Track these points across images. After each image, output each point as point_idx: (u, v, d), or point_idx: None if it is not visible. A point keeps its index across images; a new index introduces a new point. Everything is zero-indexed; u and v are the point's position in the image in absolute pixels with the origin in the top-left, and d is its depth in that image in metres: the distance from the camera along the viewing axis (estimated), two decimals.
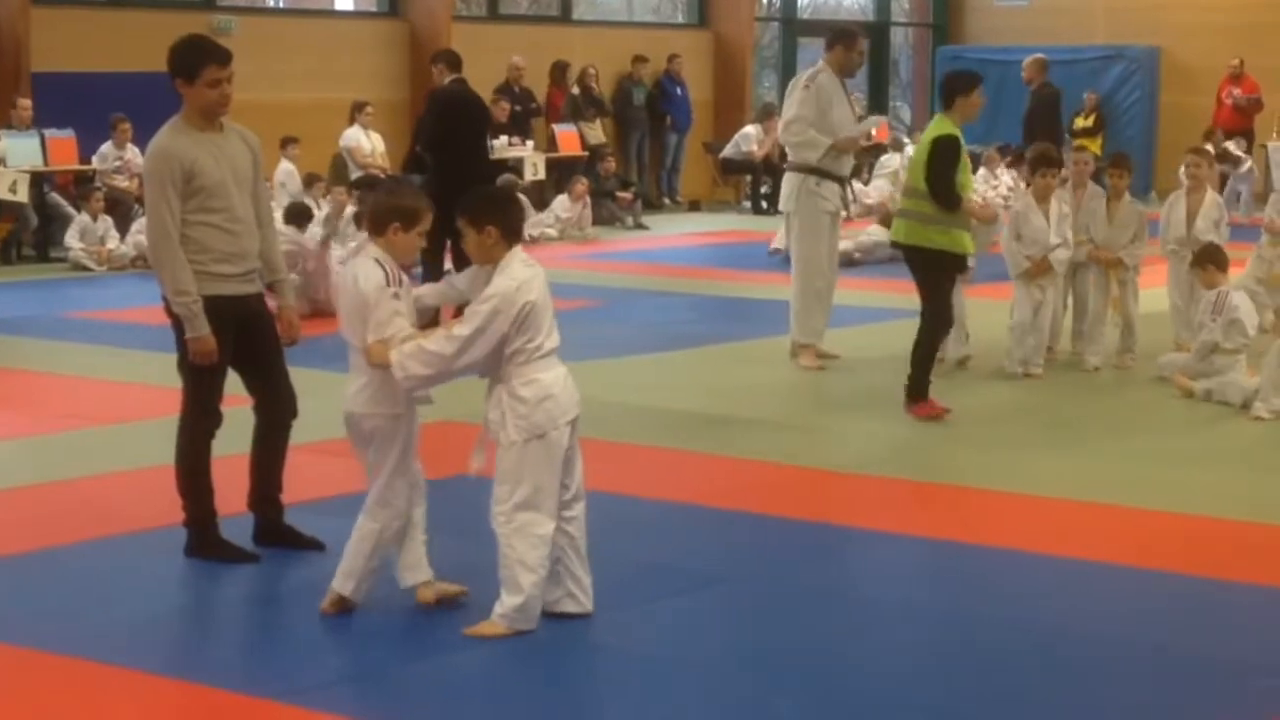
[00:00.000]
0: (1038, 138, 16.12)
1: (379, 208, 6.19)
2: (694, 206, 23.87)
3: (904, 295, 14.08)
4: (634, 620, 6.15)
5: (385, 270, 6.02)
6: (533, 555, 5.87)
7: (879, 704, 5.44)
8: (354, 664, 5.76)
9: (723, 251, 17.64)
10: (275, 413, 6.97)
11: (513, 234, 5.97)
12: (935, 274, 9.79)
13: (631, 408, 9.90)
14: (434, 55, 14.18)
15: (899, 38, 29.71)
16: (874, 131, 13.46)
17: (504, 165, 19.94)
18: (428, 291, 6.39)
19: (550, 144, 21.89)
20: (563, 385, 5.95)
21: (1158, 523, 7.61)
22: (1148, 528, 7.54)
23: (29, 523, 7.47)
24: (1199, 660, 5.87)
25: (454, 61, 13.75)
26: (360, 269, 6.05)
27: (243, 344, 6.79)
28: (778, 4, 27.78)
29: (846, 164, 11.77)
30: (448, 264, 12.04)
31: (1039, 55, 16.61)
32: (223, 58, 6.66)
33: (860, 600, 6.51)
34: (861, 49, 11.88)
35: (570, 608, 6.06)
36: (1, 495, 7.97)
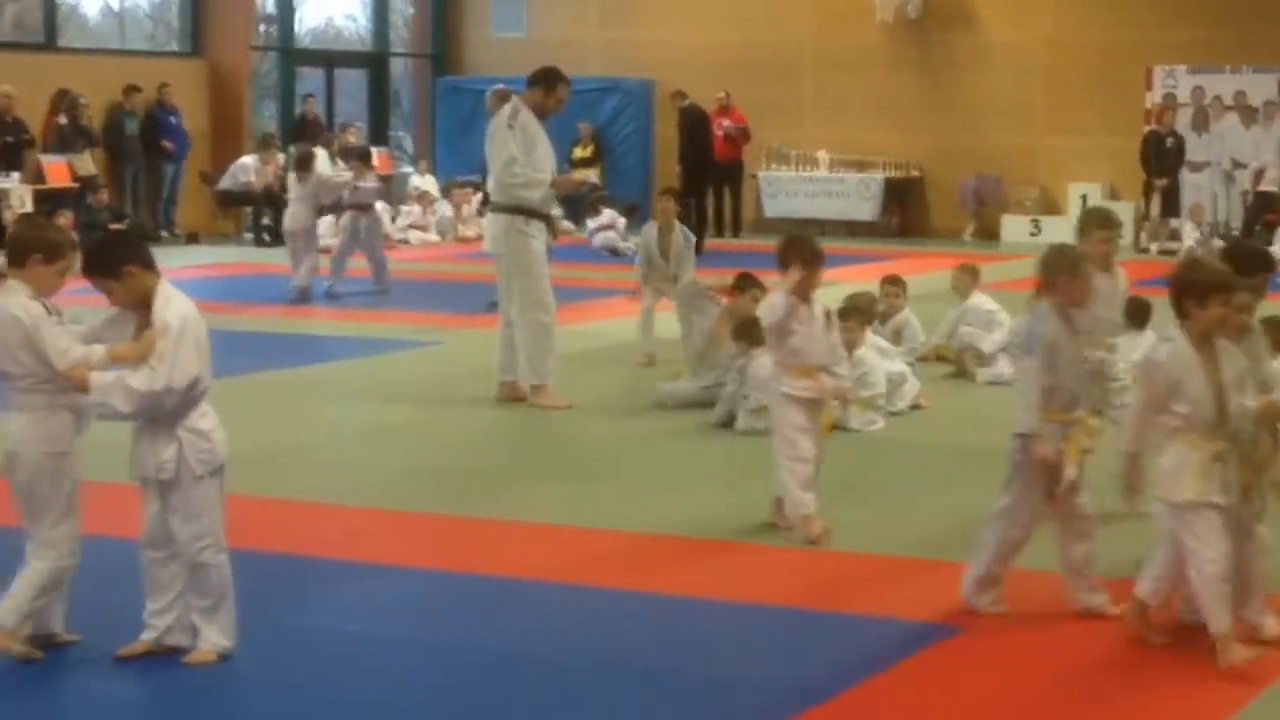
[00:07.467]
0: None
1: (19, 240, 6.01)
2: (193, 239, 23.26)
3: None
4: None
5: (40, 302, 5.86)
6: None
7: None
8: None
9: (228, 285, 17.26)
10: None
11: (150, 263, 5.89)
12: None
13: None
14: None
15: (399, 68, 29.72)
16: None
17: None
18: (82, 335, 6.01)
19: (38, 176, 20.97)
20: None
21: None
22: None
23: None
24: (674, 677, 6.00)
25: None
26: (12, 302, 5.83)
27: None
28: (275, 33, 27.40)
29: (550, 201, 11.53)
30: None
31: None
32: None
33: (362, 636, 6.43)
34: (560, 96, 11.43)
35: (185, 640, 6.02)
36: None
